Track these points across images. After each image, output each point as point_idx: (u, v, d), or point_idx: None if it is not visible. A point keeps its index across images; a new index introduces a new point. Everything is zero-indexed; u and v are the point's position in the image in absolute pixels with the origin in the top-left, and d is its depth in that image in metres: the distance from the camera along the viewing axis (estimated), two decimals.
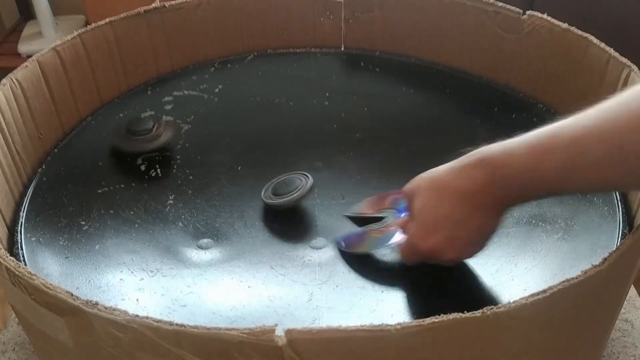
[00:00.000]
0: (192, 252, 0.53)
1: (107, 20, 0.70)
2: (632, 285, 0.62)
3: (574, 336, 0.44)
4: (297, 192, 0.55)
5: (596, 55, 0.63)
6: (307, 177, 0.56)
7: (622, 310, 0.60)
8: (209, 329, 0.34)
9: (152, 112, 0.70)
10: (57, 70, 0.65)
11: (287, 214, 0.56)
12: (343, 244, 0.53)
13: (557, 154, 0.39)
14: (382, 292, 0.48)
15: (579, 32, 0.65)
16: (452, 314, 0.34)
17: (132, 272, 0.50)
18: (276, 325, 0.34)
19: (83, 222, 0.55)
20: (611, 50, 0.61)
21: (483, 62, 0.75)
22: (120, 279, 0.50)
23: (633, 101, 0.36)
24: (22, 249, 0.52)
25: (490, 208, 0.44)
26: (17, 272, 0.39)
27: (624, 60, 0.60)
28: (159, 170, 0.62)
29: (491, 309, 0.35)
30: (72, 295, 0.37)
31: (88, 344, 0.40)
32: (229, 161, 0.63)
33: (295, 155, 0.64)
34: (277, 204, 0.55)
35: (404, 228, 0.50)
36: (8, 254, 0.41)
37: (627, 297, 0.61)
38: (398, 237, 0.50)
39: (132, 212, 0.57)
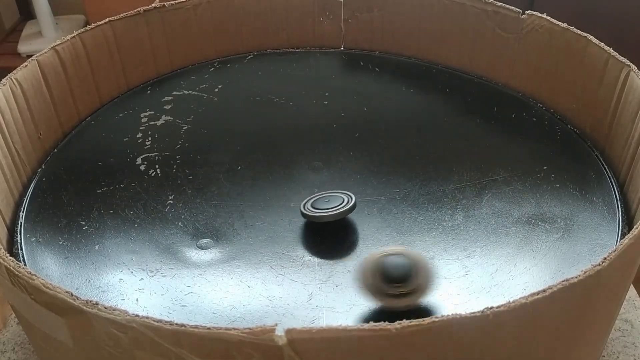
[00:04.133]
0: (192, 252, 0.53)
1: (107, 20, 0.70)
2: (632, 285, 0.62)
3: (574, 336, 0.44)
4: (337, 209, 0.53)
5: (595, 54, 0.63)
6: (350, 197, 0.55)
7: (622, 310, 0.60)
8: (209, 328, 0.34)
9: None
10: (57, 70, 0.65)
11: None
12: None
13: None
14: None
15: (579, 31, 0.65)
16: (452, 313, 0.34)
17: (132, 272, 0.50)
18: (276, 325, 0.34)
19: (83, 222, 0.55)
20: (611, 50, 0.62)
21: (483, 62, 0.75)
22: (120, 279, 0.50)
23: None
24: (21, 249, 0.52)
25: None
26: (17, 272, 0.39)
27: (624, 59, 0.60)
28: (158, 170, 0.62)
29: (491, 309, 0.35)
30: (72, 295, 0.37)
31: (88, 343, 0.40)
32: (229, 161, 0.63)
33: (295, 154, 0.64)
34: (317, 217, 0.54)
35: None
36: (8, 254, 0.41)
37: (627, 297, 0.61)
38: None
39: (132, 212, 0.57)
